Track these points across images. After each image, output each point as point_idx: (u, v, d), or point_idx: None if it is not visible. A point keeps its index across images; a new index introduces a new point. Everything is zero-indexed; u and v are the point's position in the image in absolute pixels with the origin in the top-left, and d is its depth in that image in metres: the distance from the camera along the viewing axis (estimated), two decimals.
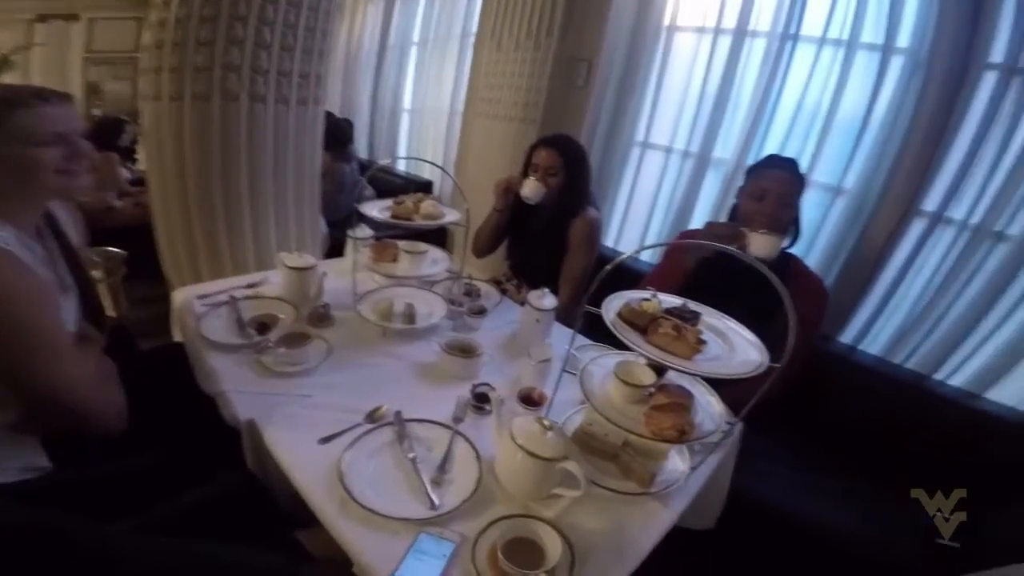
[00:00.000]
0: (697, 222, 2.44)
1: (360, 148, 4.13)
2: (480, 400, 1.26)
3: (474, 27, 3.04)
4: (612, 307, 1.08)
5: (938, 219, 1.86)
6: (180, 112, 1.92)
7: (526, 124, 2.68)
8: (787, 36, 2.11)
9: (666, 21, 2.43)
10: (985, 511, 1.34)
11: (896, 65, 1.91)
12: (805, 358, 1.54)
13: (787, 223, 1.61)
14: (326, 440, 1.08)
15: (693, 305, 1.12)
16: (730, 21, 2.24)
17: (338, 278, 1.69)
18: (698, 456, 1.16)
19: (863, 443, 1.75)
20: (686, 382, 1.17)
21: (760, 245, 1.42)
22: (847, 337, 2.07)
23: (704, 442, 1.07)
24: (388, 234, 1.88)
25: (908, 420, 1.75)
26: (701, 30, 2.35)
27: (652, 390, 1.08)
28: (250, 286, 1.68)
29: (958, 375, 1.85)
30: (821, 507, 1.56)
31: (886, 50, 1.92)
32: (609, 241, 2.77)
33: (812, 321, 1.61)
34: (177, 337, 1.55)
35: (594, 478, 1.08)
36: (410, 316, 1.56)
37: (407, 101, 4.01)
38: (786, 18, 2.10)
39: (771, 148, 2.18)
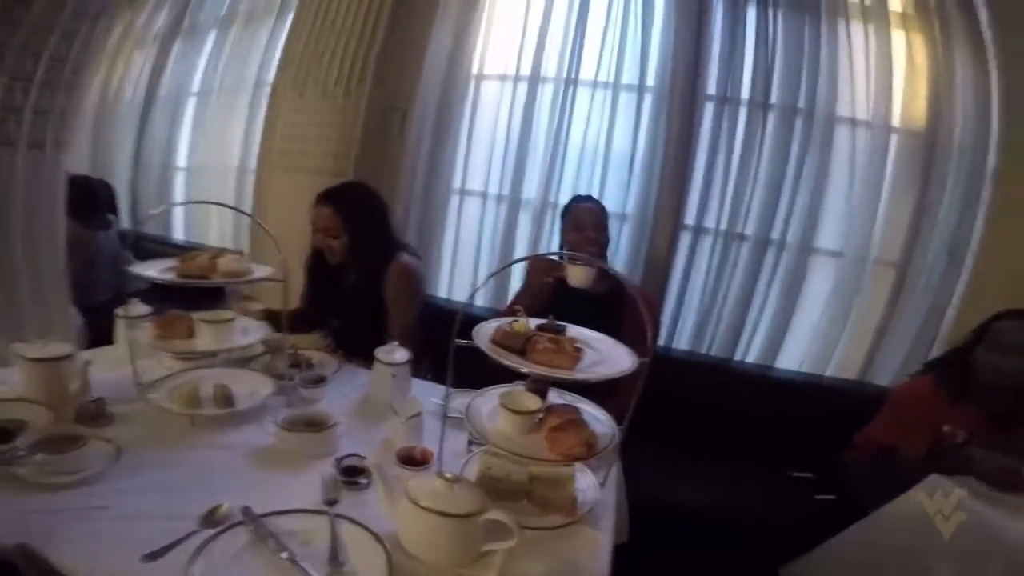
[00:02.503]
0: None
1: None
2: (351, 474, 1.05)
3: (270, 76, 2.80)
4: (484, 334, 1.05)
5: (699, 230, 2.35)
6: None
7: (337, 176, 2.50)
8: (570, 81, 2.42)
9: (475, 69, 2.56)
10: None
11: (648, 101, 2.34)
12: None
13: (605, 244, 1.87)
14: (154, 556, 0.80)
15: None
16: (526, 68, 2.47)
17: (110, 369, 1.33)
18: (601, 470, 1.14)
19: (705, 426, 2.06)
20: (568, 398, 1.20)
21: (576, 275, 1.50)
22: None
23: (603, 454, 1.05)
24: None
25: (724, 397, 2.17)
26: (503, 77, 2.54)
27: (541, 415, 1.06)
28: None
29: (750, 353, 2.35)
30: (709, 492, 1.83)
31: (640, 89, 2.35)
32: (441, 291, 2.72)
33: (649, 327, 1.78)
34: None
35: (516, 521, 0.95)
36: (226, 398, 1.26)
37: (182, 159, 3.44)
38: (568, 64, 2.41)
39: (567, 185, 2.47)
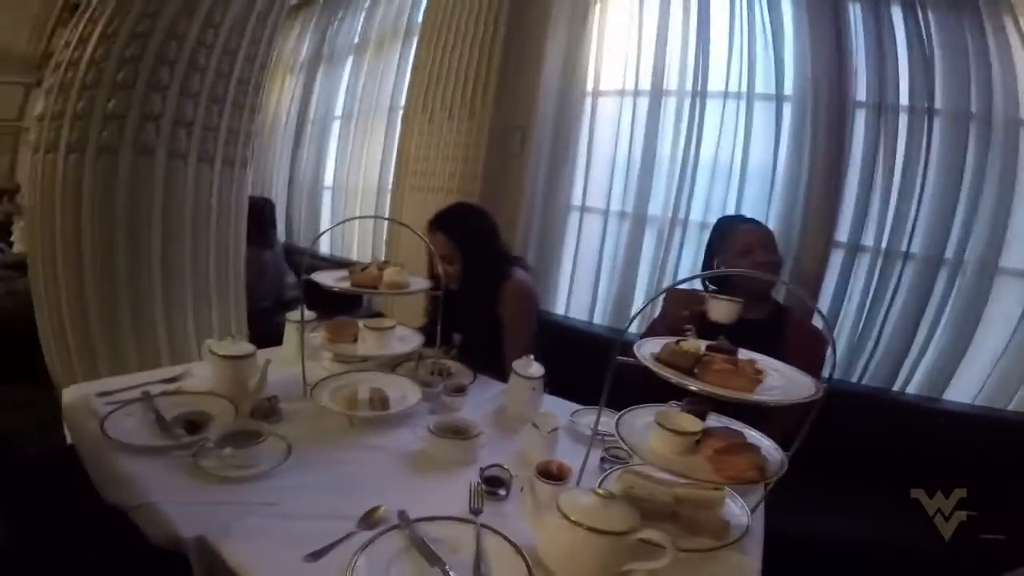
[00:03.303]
0: (642, 278, 2.49)
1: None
2: (492, 484, 1.07)
3: (402, 100, 3.03)
4: (647, 351, 1.02)
5: (855, 248, 2.10)
6: (80, 167, 1.60)
7: (463, 195, 2.62)
8: (696, 93, 2.31)
9: (590, 86, 2.57)
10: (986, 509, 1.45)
11: (787, 111, 2.17)
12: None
13: (779, 266, 1.74)
14: (317, 556, 0.84)
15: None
16: (645, 82, 2.42)
17: (279, 368, 1.44)
18: (750, 495, 1.07)
19: (857, 460, 1.81)
20: (724, 422, 1.13)
21: (720, 310, 1.38)
22: None
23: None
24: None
25: (884, 429, 1.91)
26: (621, 92, 2.50)
27: (698, 438, 1.01)
28: (169, 380, 1.37)
29: (912, 384, 2.06)
30: (855, 525, 1.63)
31: (778, 98, 2.18)
32: (559, 307, 2.71)
33: (813, 368, 1.61)
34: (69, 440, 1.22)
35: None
36: (381, 401, 1.34)
37: (328, 178, 3.83)
38: (693, 75, 2.31)
39: (699, 201, 2.34)
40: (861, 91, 2.06)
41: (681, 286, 1.69)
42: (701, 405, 1.10)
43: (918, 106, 1.98)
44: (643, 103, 2.43)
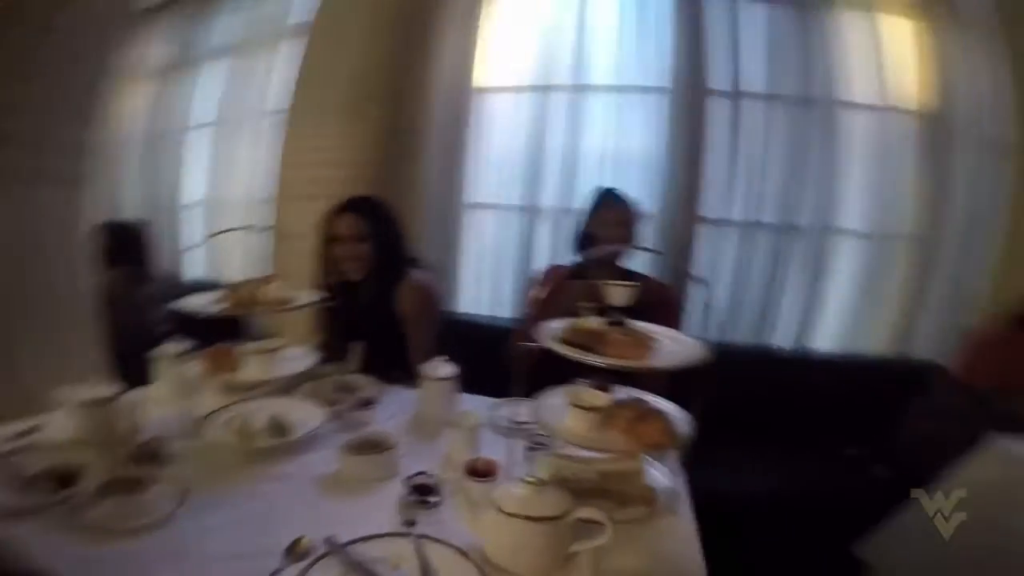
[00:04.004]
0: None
1: None
2: (422, 493, 1.03)
3: (279, 104, 2.80)
4: (552, 334, 1.05)
5: (719, 222, 2.37)
6: None
7: None
8: (579, 87, 2.44)
9: (481, 83, 2.58)
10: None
11: (657, 101, 2.37)
12: None
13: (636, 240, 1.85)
14: None
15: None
16: (533, 78, 2.50)
17: (155, 410, 1.31)
18: (665, 459, 1.14)
19: (747, 415, 1.96)
20: (630, 392, 1.18)
21: (619, 295, 1.49)
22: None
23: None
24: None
25: (762, 384, 2.12)
26: (511, 89, 2.56)
27: (610, 411, 1.06)
28: (17, 436, 1.17)
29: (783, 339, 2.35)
30: (763, 479, 1.84)
31: (649, 90, 2.39)
32: (466, 307, 2.70)
33: (677, 320, 1.80)
34: None
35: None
36: (281, 428, 1.23)
37: (197, 194, 3.42)
38: (575, 70, 2.44)
39: (586, 190, 2.35)
40: (716, 79, 2.30)
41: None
42: (605, 379, 1.15)
43: (761, 91, 2.27)
44: (531, 98, 2.51)
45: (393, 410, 1.44)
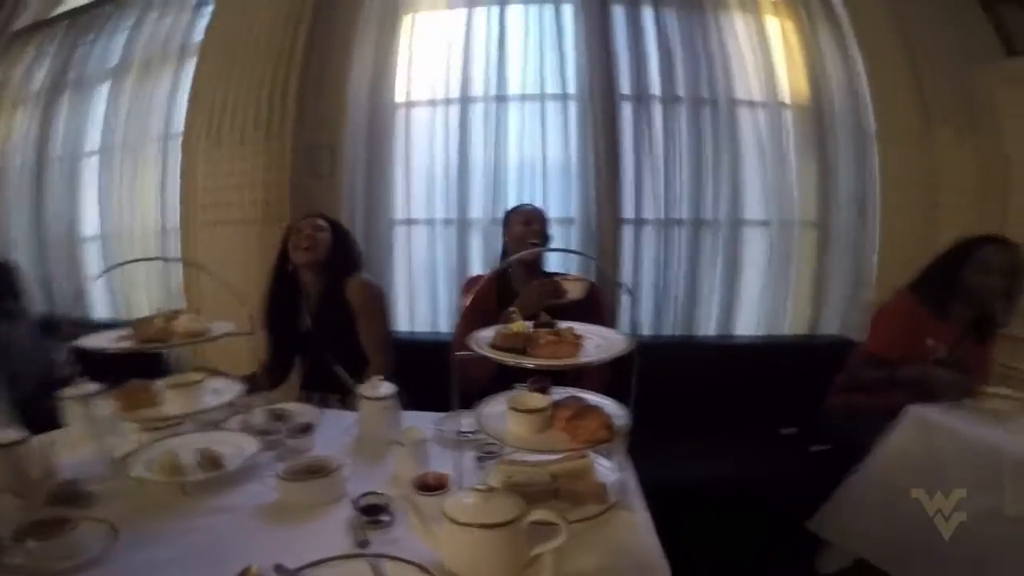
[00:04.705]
0: None
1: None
2: (373, 513, 1.01)
3: (179, 127, 2.64)
4: (482, 341, 1.07)
5: (639, 222, 2.50)
6: None
7: (270, 225, 2.41)
8: (499, 98, 2.49)
9: (401, 97, 2.56)
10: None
11: (573, 108, 2.47)
12: None
13: (547, 239, 1.94)
14: None
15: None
16: (454, 90, 2.52)
17: (69, 453, 1.21)
18: (613, 454, 1.17)
19: (683, 404, 2.08)
20: (568, 392, 1.20)
21: (576, 289, 1.62)
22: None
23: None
24: None
25: (694, 373, 2.25)
26: (433, 102, 2.56)
27: (549, 412, 1.07)
28: None
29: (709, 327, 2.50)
30: (707, 465, 1.90)
31: (564, 97, 2.48)
32: (402, 325, 2.64)
33: (605, 318, 1.85)
34: None
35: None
36: (213, 460, 1.17)
37: (91, 226, 3.11)
38: (495, 81, 2.48)
39: (511, 200, 2.50)
40: (625, 85, 2.44)
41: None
42: (543, 381, 1.18)
43: (667, 95, 2.42)
44: (454, 110, 2.52)
45: (336, 434, 1.40)
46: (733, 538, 1.77)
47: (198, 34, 2.66)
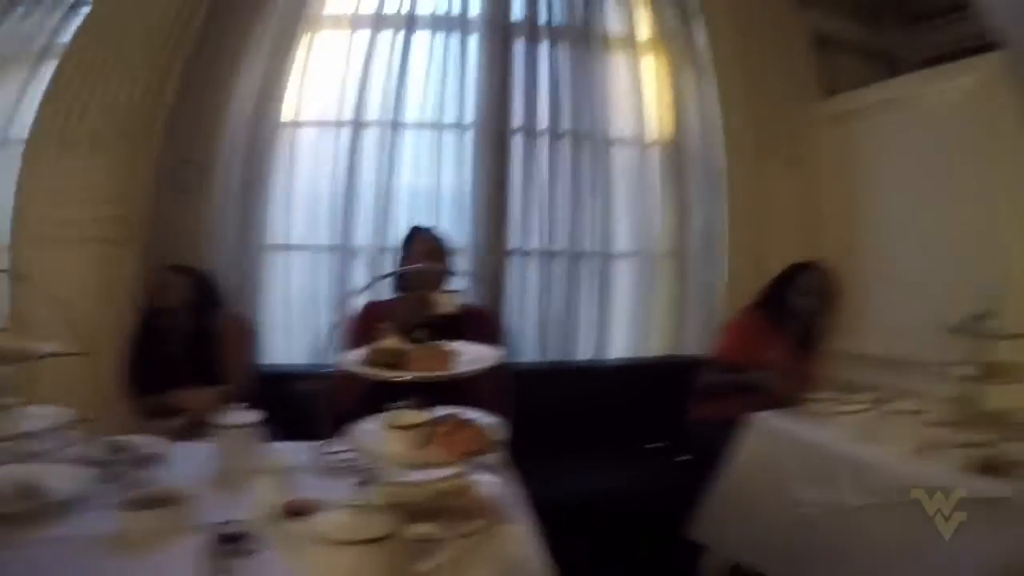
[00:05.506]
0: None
1: None
2: (232, 541, 0.92)
3: (18, 133, 2.29)
4: (356, 359, 1.09)
5: (523, 253, 2.62)
6: None
7: (120, 246, 2.16)
8: (396, 123, 2.50)
9: (289, 116, 2.46)
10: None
11: (468, 138, 2.55)
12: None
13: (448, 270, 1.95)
14: None
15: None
16: (348, 113, 2.47)
17: None
18: (496, 469, 1.20)
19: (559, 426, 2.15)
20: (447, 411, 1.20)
21: (445, 302, 1.61)
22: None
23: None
24: None
25: (570, 395, 2.37)
26: (322, 123, 2.50)
27: (428, 428, 1.06)
28: None
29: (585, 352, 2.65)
30: (582, 483, 1.99)
31: (461, 127, 2.55)
32: (277, 357, 2.46)
33: (495, 338, 1.91)
34: None
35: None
36: (30, 490, 1.04)
37: None
38: (393, 106, 2.49)
39: (401, 227, 2.35)
40: (516, 119, 2.57)
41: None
42: (421, 400, 1.16)
43: (553, 129, 2.60)
44: (345, 134, 2.48)
45: (193, 464, 1.28)
46: (618, 551, 1.85)
47: (67, 35, 2.34)
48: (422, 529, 0.85)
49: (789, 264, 2.13)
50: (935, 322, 1.65)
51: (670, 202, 2.72)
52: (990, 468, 1.28)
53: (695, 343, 2.68)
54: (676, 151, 2.72)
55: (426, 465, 1.01)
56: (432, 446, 1.03)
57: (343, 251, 2.50)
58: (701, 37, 2.61)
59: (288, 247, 2.53)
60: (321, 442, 1.32)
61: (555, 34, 2.59)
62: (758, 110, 2.54)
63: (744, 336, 2.09)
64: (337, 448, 1.21)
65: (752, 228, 2.54)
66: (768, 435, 1.75)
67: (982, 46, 1.92)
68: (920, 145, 2.17)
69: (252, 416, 1.30)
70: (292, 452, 1.29)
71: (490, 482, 1.17)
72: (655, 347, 2.71)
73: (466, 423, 1.07)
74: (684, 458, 2.15)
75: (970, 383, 1.58)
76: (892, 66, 2.66)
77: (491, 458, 1.17)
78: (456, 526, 1.00)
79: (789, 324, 2.06)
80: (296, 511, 1.00)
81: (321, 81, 2.50)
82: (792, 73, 2.60)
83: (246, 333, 1.90)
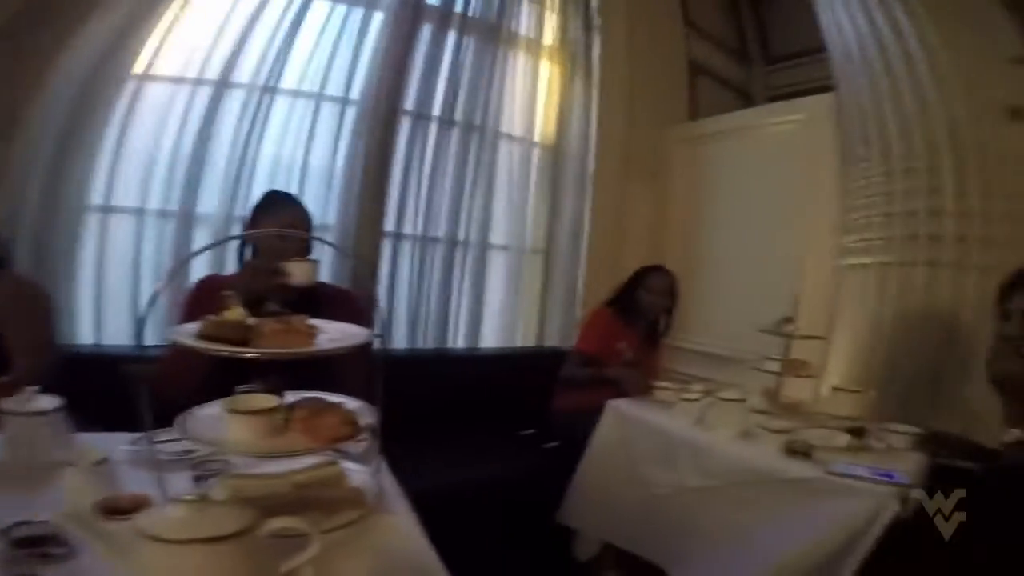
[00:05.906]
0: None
1: None
2: (36, 544, 0.77)
3: None
4: (187, 333, 0.90)
5: (399, 236, 2.55)
6: None
7: None
8: (266, 88, 2.25)
9: (137, 69, 2.08)
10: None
11: (350, 114, 2.42)
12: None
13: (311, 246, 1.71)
14: None
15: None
16: (213, 72, 2.17)
17: None
18: (367, 458, 1.10)
19: (431, 414, 2.13)
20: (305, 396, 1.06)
21: (301, 273, 1.37)
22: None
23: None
24: None
25: (444, 383, 2.37)
26: (178, 80, 2.15)
27: (282, 414, 0.94)
28: None
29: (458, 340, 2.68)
30: (456, 472, 1.96)
31: (344, 102, 2.41)
32: (85, 332, 2.09)
33: (360, 321, 1.76)
34: None
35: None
36: None
37: None
38: (269, 70, 2.24)
39: (257, 197, 2.18)
40: (409, 101, 2.49)
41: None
42: (273, 383, 1.03)
43: (445, 117, 2.56)
44: (204, 93, 2.16)
45: None
46: (494, 539, 1.86)
47: None
48: (285, 524, 0.73)
49: (640, 266, 2.35)
50: (754, 323, 1.96)
51: (544, 201, 2.85)
52: (795, 452, 1.47)
53: (557, 336, 2.84)
54: (555, 153, 2.86)
55: (285, 453, 0.90)
56: (290, 433, 0.92)
57: (182, 218, 2.18)
58: (597, 51, 2.79)
59: (110, 209, 2.13)
60: (145, 432, 1.16)
61: (465, 24, 2.57)
62: (632, 125, 2.81)
63: (600, 330, 2.26)
64: (167, 438, 1.04)
65: (612, 231, 2.78)
66: (621, 420, 1.89)
67: (827, 86, 2.31)
68: (754, 169, 2.58)
69: (52, 402, 1.09)
70: (108, 443, 1.10)
71: (361, 471, 1.08)
72: (521, 338, 2.82)
73: (330, 406, 0.96)
74: (552, 444, 2.24)
75: (774, 377, 1.90)
76: (748, 99, 3.08)
77: (359, 446, 1.09)
78: (324, 519, 0.90)
79: (638, 321, 2.26)
80: (114, 509, 0.85)
81: (190, 36, 2.16)
82: (668, 97, 2.94)
83: (39, 301, 1.57)
